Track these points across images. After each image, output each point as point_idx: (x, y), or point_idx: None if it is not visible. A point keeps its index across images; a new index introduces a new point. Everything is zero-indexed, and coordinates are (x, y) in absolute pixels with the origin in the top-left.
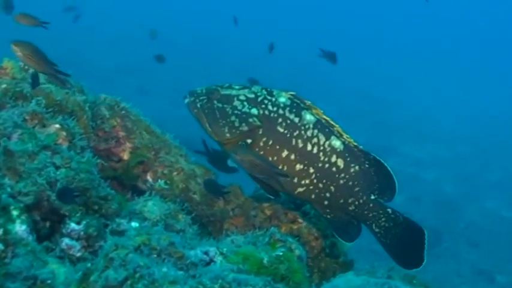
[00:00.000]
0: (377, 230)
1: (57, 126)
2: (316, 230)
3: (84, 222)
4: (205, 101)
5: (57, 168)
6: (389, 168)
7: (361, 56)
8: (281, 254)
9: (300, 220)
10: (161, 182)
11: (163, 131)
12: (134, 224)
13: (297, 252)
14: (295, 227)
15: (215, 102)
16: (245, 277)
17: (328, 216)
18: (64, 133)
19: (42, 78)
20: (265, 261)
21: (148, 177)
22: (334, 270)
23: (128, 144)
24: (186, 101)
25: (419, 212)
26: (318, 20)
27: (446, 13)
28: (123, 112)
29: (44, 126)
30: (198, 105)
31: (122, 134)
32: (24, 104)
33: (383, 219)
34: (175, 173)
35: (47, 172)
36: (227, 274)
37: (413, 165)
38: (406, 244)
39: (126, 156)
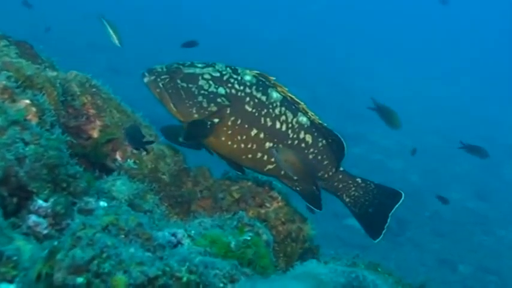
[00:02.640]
0: (347, 199)
1: (27, 101)
2: (284, 214)
3: (52, 199)
4: (167, 80)
5: (26, 144)
6: (345, 147)
7: (334, 44)
8: (249, 238)
9: (268, 204)
10: (130, 162)
11: (133, 110)
12: (102, 204)
13: (265, 237)
14: (262, 211)
15: (179, 81)
16: (212, 260)
17: (297, 189)
18: (34, 109)
19: (12, 52)
20: (232, 245)
21: (117, 156)
22: (300, 256)
23: (98, 122)
24: (146, 79)
25: None
26: (294, 7)
27: (421, 6)
28: (93, 90)
29: (13, 101)
30: (160, 84)
31: (92, 111)
32: None
33: (353, 188)
34: (144, 153)
35: (15, 148)
36: (194, 257)
37: (381, 153)
38: (375, 211)
39: (95, 134)
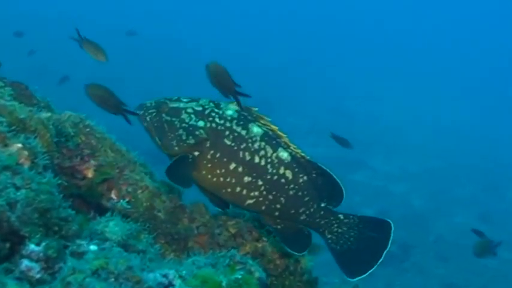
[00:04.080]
0: (329, 236)
1: (19, 145)
2: (280, 248)
3: (43, 243)
4: (154, 114)
5: (18, 189)
6: (335, 176)
7: (332, 70)
8: (240, 277)
9: (265, 238)
10: (123, 202)
11: (128, 148)
12: (93, 247)
13: (257, 274)
14: (259, 245)
15: (164, 115)
16: None
17: (279, 227)
18: (26, 152)
19: (7, 94)
20: (223, 284)
21: (113, 195)
22: None
23: (93, 162)
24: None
25: None
26: (293, 35)
27: (417, 28)
28: (87, 130)
29: (5, 145)
30: (148, 118)
31: (86, 151)
32: None
33: (335, 225)
34: (139, 191)
35: (7, 193)
36: None
37: (383, 179)
38: (362, 247)
39: (90, 174)
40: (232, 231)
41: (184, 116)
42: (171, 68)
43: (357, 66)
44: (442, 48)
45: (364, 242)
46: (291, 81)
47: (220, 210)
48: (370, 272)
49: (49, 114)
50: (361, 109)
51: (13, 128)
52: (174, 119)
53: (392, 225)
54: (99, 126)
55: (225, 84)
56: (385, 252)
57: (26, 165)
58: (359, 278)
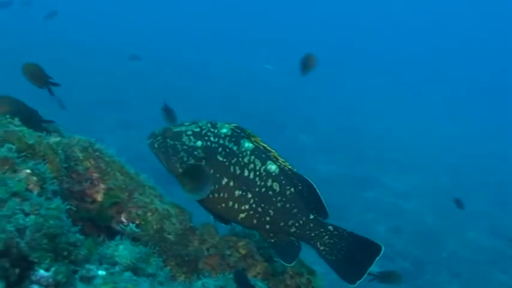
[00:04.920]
0: (322, 247)
1: (28, 171)
2: (291, 268)
3: (53, 268)
4: (160, 140)
5: (27, 214)
6: (317, 190)
7: (342, 88)
8: None
9: (275, 259)
10: (132, 226)
11: (137, 171)
12: (101, 272)
13: None
14: (270, 265)
15: (168, 140)
16: None
17: (272, 241)
18: (35, 178)
19: (17, 119)
20: None
21: (123, 218)
22: None
23: (102, 186)
24: (148, 142)
25: (400, 242)
26: (297, 53)
27: (425, 44)
28: (96, 153)
29: (14, 171)
30: (156, 145)
31: (95, 175)
32: None
33: (326, 237)
34: (149, 214)
35: (16, 219)
36: None
37: (395, 196)
38: (354, 257)
39: (100, 197)
40: (243, 252)
41: (184, 138)
42: (179, 92)
43: (366, 84)
44: (450, 66)
45: (353, 255)
46: (301, 99)
47: (226, 226)
48: (366, 274)
49: (58, 138)
50: (371, 126)
51: (22, 153)
52: (176, 142)
53: (382, 249)
54: (109, 150)
55: (38, 77)
56: (377, 258)
57: (35, 191)
58: (359, 281)
